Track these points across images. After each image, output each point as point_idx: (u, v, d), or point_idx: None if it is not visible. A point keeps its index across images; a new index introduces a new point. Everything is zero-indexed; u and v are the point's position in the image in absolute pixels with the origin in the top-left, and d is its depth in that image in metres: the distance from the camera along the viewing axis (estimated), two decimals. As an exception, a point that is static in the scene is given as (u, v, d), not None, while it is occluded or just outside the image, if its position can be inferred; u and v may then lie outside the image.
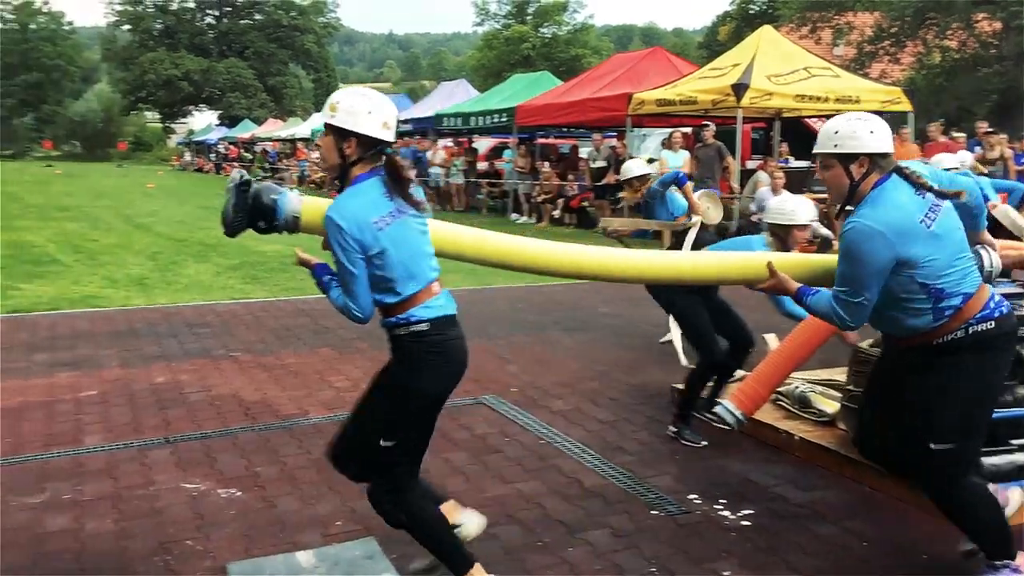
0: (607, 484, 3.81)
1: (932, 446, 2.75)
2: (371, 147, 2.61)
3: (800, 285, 2.98)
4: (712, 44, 42.16)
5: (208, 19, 62.74)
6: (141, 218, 16.90)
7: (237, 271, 10.20)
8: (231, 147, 40.94)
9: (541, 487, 3.77)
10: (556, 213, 16.35)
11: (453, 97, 22.07)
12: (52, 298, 8.18)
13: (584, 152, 17.71)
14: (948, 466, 2.78)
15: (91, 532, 3.30)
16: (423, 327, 2.62)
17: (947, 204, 2.76)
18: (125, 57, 59.15)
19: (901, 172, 2.76)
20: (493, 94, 20.54)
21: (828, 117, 16.01)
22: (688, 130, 14.37)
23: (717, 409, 4.16)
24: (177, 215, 17.76)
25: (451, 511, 2.91)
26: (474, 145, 21.30)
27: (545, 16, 50.21)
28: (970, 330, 2.72)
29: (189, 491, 3.70)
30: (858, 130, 2.76)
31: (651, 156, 14.45)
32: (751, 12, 38.53)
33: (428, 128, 20.81)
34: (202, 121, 57.26)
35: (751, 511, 3.49)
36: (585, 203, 15.76)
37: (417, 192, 2.71)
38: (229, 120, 50.62)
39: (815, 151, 2.88)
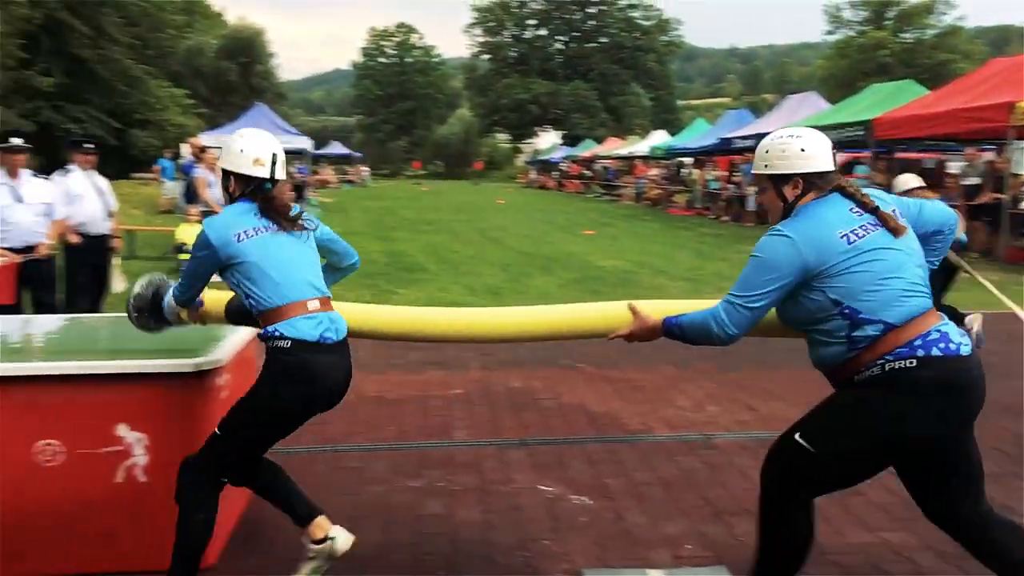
0: (994, 547, 3.34)
1: (797, 438, 2.49)
2: (248, 184, 2.78)
3: (664, 317, 2.70)
4: (1119, 40, 35.81)
5: (557, 45, 66.69)
6: (493, 232, 18.34)
7: (579, 284, 10.63)
8: (572, 165, 42.96)
9: (912, 539, 3.41)
10: (916, 234, 14.88)
11: (800, 110, 21.09)
12: (423, 302, 9.14)
13: (955, 167, 15.94)
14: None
15: (461, 520, 3.60)
16: (285, 344, 2.66)
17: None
18: (483, 84, 65.05)
19: (843, 190, 2.52)
20: (846, 106, 19.29)
21: None
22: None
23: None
24: (524, 229, 19.01)
25: (322, 525, 2.87)
26: (821, 161, 20.10)
27: (908, 20, 46.20)
28: (886, 366, 2.37)
29: (544, 493, 3.89)
30: (788, 148, 2.53)
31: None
32: None
33: (771, 144, 20.09)
34: (547, 141, 60.90)
35: None
36: (952, 224, 14.15)
37: (308, 216, 2.91)
38: (571, 139, 53.27)
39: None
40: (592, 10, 64.46)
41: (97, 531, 3.01)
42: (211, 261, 2.74)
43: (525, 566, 3.21)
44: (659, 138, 32.98)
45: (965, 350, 2.38)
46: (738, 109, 32.70)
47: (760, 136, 19.49)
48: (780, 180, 2.55)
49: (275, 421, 2.73)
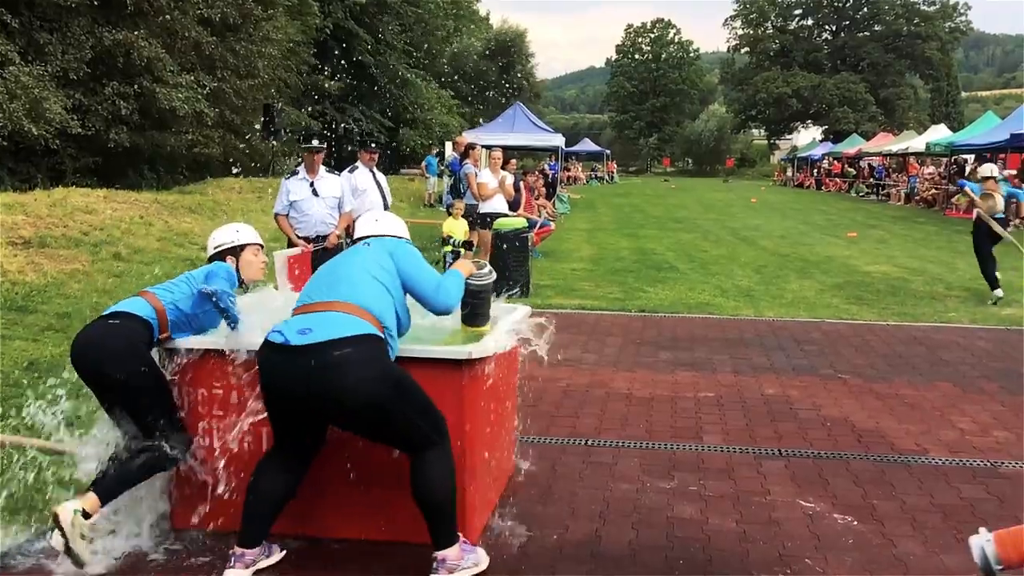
0: None
1: None
2: None
3: None
4: None
5: (824, 35, 62.99)
6: (745, 231, 17.70)
7: (841, 290, 9.98)
8: (835, 162, 40.41)
9: None
10: None
11: (1117, 101, 18.27)
12: (672, 302, 9.04)
13: None
14: None
15: (714, 527, 3.51)
16: None
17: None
18: (741, 78, 62.91)
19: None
20: None
21: None
22: None
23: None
24: (779, 230, 18.16)
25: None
26: None
27: None
28: None
29: (804, 508, 3.70)
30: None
31: None
32: None
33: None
34: (806, 137, 57.77)
35: None
36: None
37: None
38: (834, 135, 50.09)
39: None
40: (866, -4, 60.10)
41: (375, 501, 3.27)
42: None
43: (783, 583, 3.07)
44: (938, 133, 30.08)
45: (275, 336, 2.91)
46: (1036, 100, 28.97)
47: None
48: None
49: None
